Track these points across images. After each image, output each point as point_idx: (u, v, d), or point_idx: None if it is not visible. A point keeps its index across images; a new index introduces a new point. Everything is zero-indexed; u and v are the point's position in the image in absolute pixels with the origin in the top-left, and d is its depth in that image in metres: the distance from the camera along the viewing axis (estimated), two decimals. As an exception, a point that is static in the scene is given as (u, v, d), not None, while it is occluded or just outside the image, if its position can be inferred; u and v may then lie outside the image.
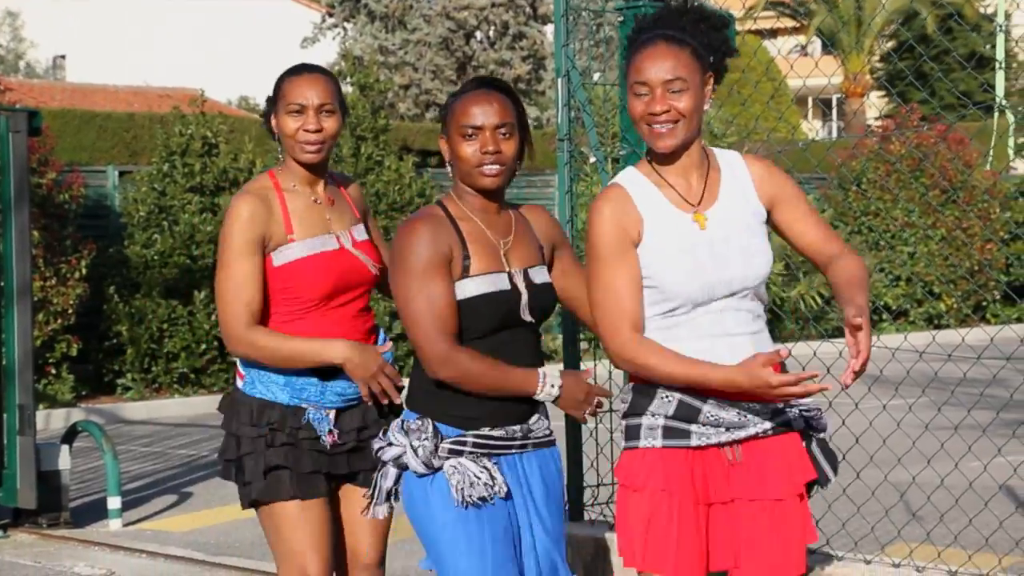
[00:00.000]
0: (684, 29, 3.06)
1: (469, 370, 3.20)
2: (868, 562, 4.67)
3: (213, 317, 12.77)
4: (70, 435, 7.76)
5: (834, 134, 39.98)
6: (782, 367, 3.03)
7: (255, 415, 3.64)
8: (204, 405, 12.49)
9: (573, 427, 5.01)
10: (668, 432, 3.06)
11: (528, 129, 3.40)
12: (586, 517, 5.17)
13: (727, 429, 3.06)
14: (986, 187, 18.38)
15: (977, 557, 5.08)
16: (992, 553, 5.39)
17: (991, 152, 19.37)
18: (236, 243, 3.58)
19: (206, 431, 11.17)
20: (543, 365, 3.36)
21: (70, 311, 12.42)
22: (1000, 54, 29.18)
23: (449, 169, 3.37)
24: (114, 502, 7.57)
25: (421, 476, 3.24)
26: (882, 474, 5.85)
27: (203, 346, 12.97)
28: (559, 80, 5.02)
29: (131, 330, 12.91)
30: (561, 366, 4.31)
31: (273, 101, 3.70)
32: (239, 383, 3.73)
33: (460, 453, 3.22)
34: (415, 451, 3.22)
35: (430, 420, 3.24)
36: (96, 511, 7.88)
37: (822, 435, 3.17)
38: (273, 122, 3.70)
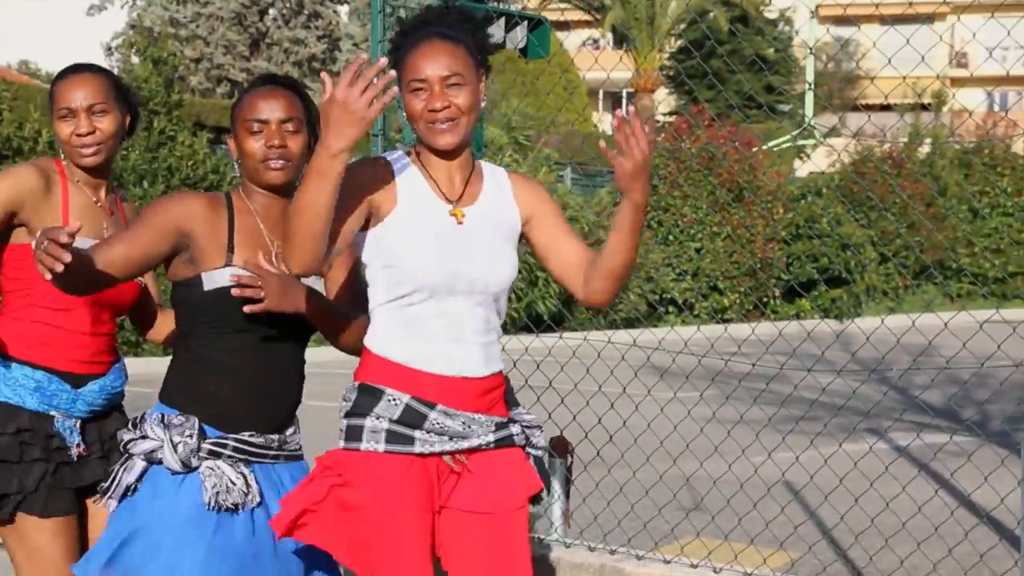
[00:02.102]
0: (452, 28, 3.03)
1: None
2: (668, 562, 4.80)
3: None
4: None
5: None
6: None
7: (2, 421, 3.40)
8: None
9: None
10: (392, 437, 2.97)
11: (316, 128, 3.25)
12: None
13: (451, 438, 3.00)
14: (771, 188, 19.02)
15: (769, 557, 5.26)
16: (784, 552, 5.61)
17: (763, 149, 19.99)
18: None
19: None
20: (303, 379, 3.26)
21: None
22: (810, 75, 30.25)
23: (236, 168, 3.27)
24: None
25: (174, 474, 3.10)
26: (670, 465, 6.02)
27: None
28: (375, 77, 4.97)
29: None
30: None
31: (50, 106, 3.52)
32: None
33: (219, 456, 3.12)
34: (175, 447, 3.09)
35: (196, 419, 3.12)
36: None
37: (539, 452, 3.15)
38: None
